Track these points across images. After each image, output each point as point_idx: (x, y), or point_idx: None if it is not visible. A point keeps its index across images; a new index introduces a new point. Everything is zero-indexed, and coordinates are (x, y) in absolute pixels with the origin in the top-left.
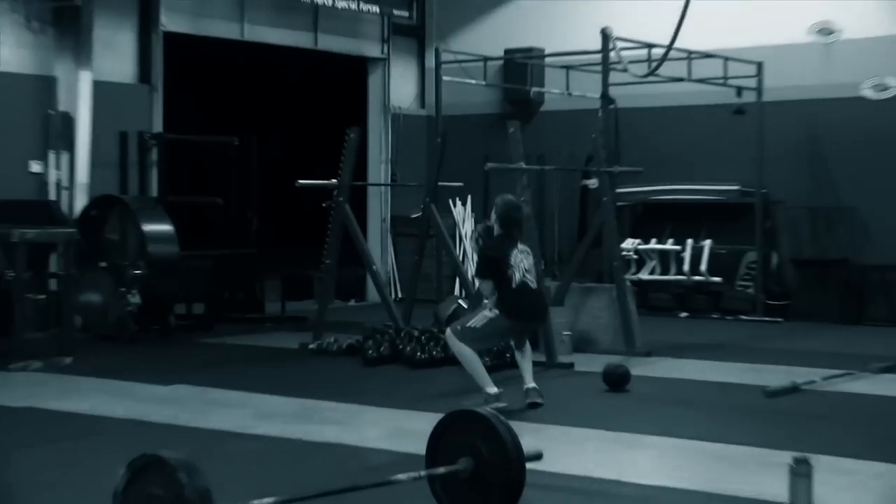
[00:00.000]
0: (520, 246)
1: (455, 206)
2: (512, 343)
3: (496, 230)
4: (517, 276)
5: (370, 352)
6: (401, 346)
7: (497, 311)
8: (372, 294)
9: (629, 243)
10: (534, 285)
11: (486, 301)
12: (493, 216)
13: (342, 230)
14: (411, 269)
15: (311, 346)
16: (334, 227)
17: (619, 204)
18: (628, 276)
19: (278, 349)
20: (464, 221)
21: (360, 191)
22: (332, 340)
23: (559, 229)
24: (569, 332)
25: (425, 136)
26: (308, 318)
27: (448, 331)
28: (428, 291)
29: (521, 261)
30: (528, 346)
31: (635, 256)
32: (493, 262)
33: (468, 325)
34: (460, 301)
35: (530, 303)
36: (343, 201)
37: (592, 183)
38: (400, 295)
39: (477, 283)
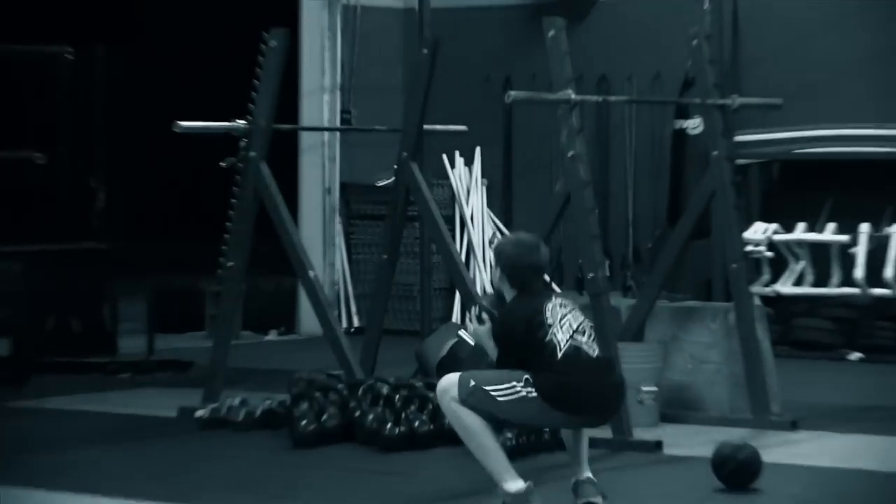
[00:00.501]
0: (557, 298)
1: (454, 166)
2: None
3: (508, 292)
4: (562, 339)
5: (304, 422)
6: (358, 413)
7: (536, 394)
8: (308, 321)
9: (758, 231)
10: (594, 352)
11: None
12: (497, 272)
13: (255, 209)
14: (377, 276)
15: (199, 412)
16: (241, 204)
17: (741, 162)
18: (756, 289)
19: (142, 419)
20: (468, 192)
21: (289, 140)
22: (238, 403)
23: (635, 207)
24: (653, 388)
25: (401, 46)
26: (195, 364)
27: (444, 385)
28: (406, 316)
29: (566, 316)
30: None
31: (769, 254)
32: (521, 336)
33: (484, 386)
34: (462, 333)
35: (593, 385)
36: (256, 158)
37: (693, 126)
38: (357, 323)
39: (489, 351)
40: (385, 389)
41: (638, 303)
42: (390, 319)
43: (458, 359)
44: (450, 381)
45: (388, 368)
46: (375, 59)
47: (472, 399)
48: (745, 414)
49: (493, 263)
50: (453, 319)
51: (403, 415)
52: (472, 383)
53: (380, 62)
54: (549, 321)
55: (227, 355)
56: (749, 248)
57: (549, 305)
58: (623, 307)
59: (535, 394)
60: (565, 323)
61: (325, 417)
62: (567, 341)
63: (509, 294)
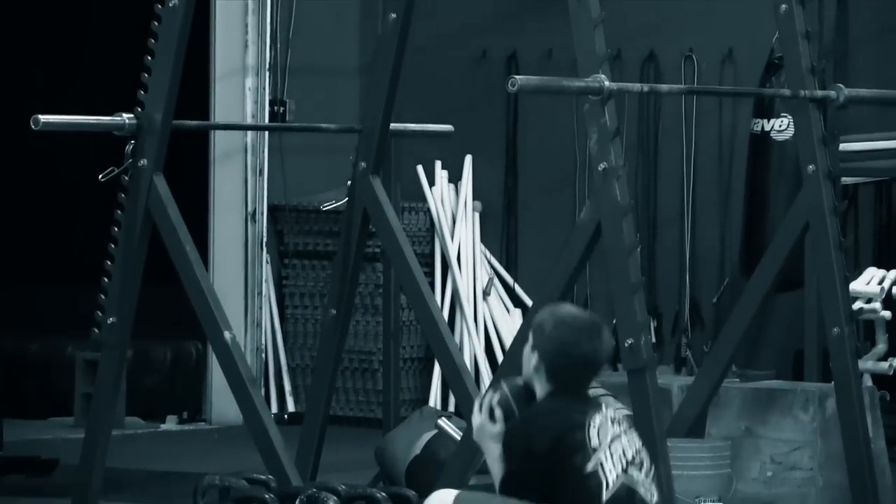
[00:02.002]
0: (609, 409)
1: (433, 183)
2: None
3: (540, 387)
4: (612, 474)
5: None
6: None
7: None
8: (222, 404)
9: (871, 280)
10: (653, 499)
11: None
12: (533, 356)
13: (145, 242)
14: (321, 341)
15: None
16: (127, 235)
17: (848, 181)
18: (868, 364)
19: None
20: (453, 221)
21: (196, 143)
22: None
23: (693, 245)
24: (716, 503)
25: (358, 11)
26: (61, 464)
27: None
28: (362, 398)
29: (618, 439)
30: None
31: (886, 314)
32: (543, 458)
33: None
34: (443, 421)
35: None
36: (149, 168)
37: (779, 128)
38: (293, 407)
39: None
40: (332, 502)
41: (696, 382)
42: (340, 403)
43: (438, 460)
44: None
45: (337, 472)
46: (321, 29)
47: None
48: None
49: (528, 341)
50: (430, 404)
51: None
52: None
53: (327, 34)
54: (594, 443)
55: (106, 451)
56: (858, 304)
57: (597, 419)
58: (675, 388)
59: None
60: (616, 449)
61: None
62: (618, 478)
63: (542, 391)
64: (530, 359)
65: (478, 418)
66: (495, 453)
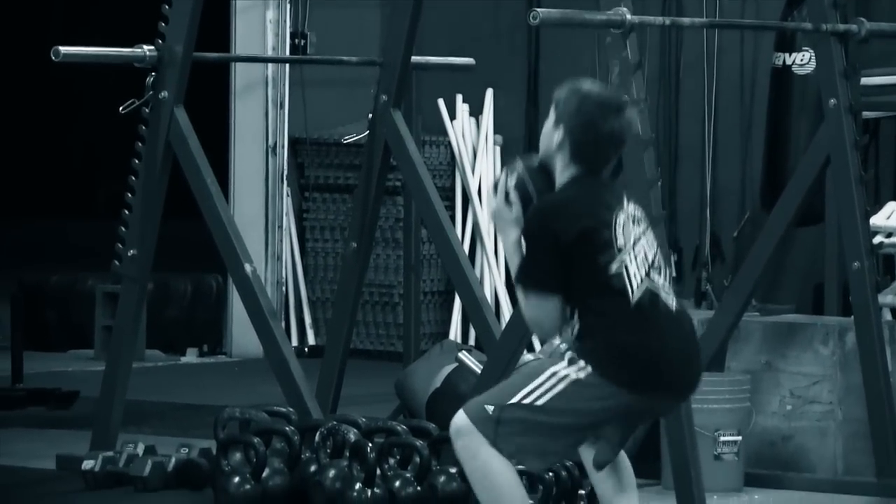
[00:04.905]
0: (627, 203)
1: (454, 116)
2: (593, 452)
3: (562, 166)
4: (636, 278)
5: (236, 480)
6: (313, 469)
7: (590, 368)
8: (242, 337)
9: (892, 215)
10: (673, 303)
11: (553, 344)
12: (557, 130)
13: (166, 175)
14: (341, 274)
15: (87, 464)
16: (147, 168)
17: (869, 116)
18: (888, 298)
19: (5, 473)
20: (474, 155)
21: (217, 76)
22: (142, 452)
23: (714, 179)
24: (736, 438)
25: None
26: (81, 396)
27: (460, 427)
28: (383, 332)
29: (640, 240)
30: (625, 460)
31: None
32: (566, 248)
33: (509, 401)
34: (463, 355)
35: (675, 353)
36: (170, 100)
37: (801, 62)
38: (313, 340)
39: (520, 301)
40: (352, 435)
41: (717, 316)
42: (360, 336)
43: (458, 393)
44: (462, 423)
45: (357, 405)
46: None
47: (505, 429)
48: (867, 476)
49: (551, 115)
50: (450, 337)
51: (379, 472)
52: (490, 408)
53: None
54: (620, 241)
55: (126, 384)
56: (878, 238)
57: (621, 217)
58: (695, 321)
59: (586, 370)
60: (640, 251)
61: (266, 474)
62: (643, 282)
63: (564, 170)
64: (553, 135)
65: (494, 201)
66: (513, 238)
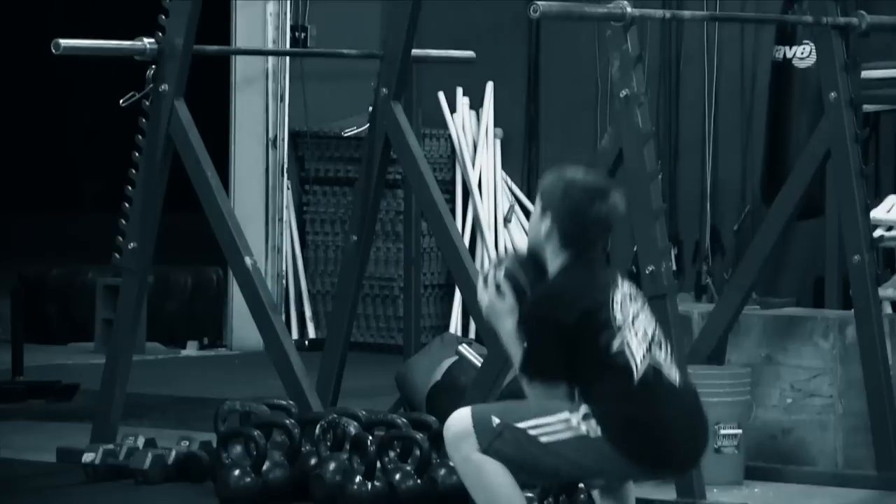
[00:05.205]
0: (622, 282)
1: (454, 109)
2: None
3: (553, 254)
4: (638, 354)
5: (236, 473)
6: (314, 462)
7: (600, 431)
8: (242, 330)
9: (892, 207)
10: (676, 377)
11: None
12: (545, 221)
13: (166, 168)
14: (342, 267)
15: (88, 457)
16: (147, 160)
17: (870, 109)
18: (888, 291)
19: (5, 466)
20: (474, 148)
21: (217, 69)
22: (142, 445)
23: (715, 172)
24: (736, 431)
25: None
26: (81, 389)
27: (455, 429)
28: (383, 325)
29: (639, 316)
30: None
31: None
32: (569, 332)
33: (516, 423)
34: (464, 348)
35: (679, 427)
36: (170, 93)
37: (801, 55)
38: (314, 333)
39: (525, 390)
40: (353, 428)
41: (717, 309)
42: (361, 329)
43: (458, 386)
44: (462, 422)
45: (358, 398)
46: None
47: (501, 445)
48: (867, 469)
49: (537, 206)
50: (451, 330)
51: (379, 464)
52: (496, 421)
53: None
54: (619, 320)
55: (127, 377)
56: (879, 232)
57: (618, 295)
58: (696, 315)
59: (596, 431)
60: (639, 327)
61: (266, 467)
62: (645, 358)
63: (555, 258)
64: (540, 224)
65: (485, 296)
66: (510, 328)
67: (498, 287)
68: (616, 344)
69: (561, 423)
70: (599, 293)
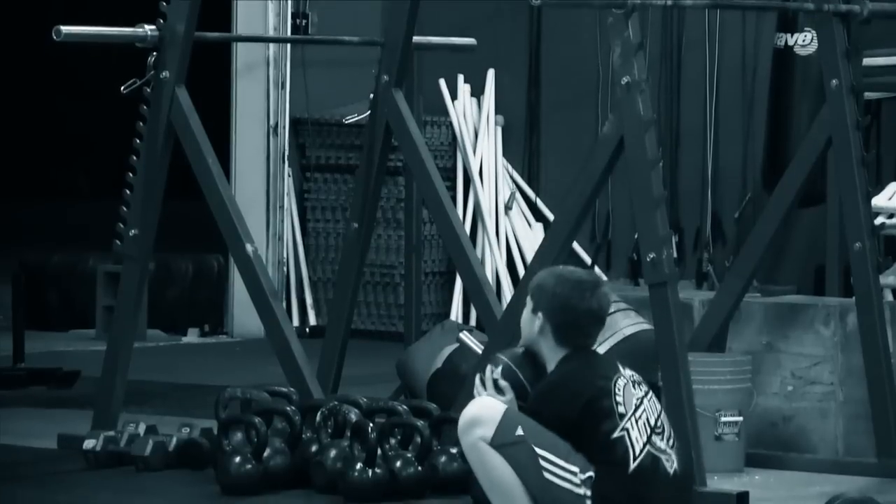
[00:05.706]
0: (624, 369)
1: (456, 97)
2: None
3: (549, 350)
4: (638, 443)
5: (237, 460)
6: (314, 449)
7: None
8: (243, 317)
9: (893, 195)
10: (673, 466)
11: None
12: (536, 319)
13: (167, 155)
14: (343, 255)
15: (89, 443)
16: (148, 147)
17: (871, 97)
18: (889, 279)
19: (6, 452)
20: (475, 135)
21: (218, 56)
22: (143, 431)
23: (716, 160)
24: (736, 418)
25: None
26: (82, 375)
27: (474, 414)
28: (384, 312)
29: (642, 405)
30: None
31: None
32: (571, 426)
33: (535, 446)
34: (465, 335)
35: None
36: (171, 80)
37: (803, 42)
38: (315, 320)
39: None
40: (353, 415)
41: (718, 297)
42: (362, 316)
43: (459, 373)
44: (490, 410)
45: (358, 386)
46: None
47: (511, 452)
48: (867, 457)
49: (528, 304)
50: (451, 317)
51: (380, 452)
52: (520, 432)
53: None
54: (621, 410)
55: (128, 364)
56: (880, 219)
57: (620, 382)
58: (697, 302)
59: (589, 502)
60: (641, 415)
61: (267, 454)
62: (644, 447)
63: (552, 354)
64: (533, 322)
65: (484, 394)
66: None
67: (496, 384)
68: (617, 432)
69: (570, 473)
70: (602, 381)
